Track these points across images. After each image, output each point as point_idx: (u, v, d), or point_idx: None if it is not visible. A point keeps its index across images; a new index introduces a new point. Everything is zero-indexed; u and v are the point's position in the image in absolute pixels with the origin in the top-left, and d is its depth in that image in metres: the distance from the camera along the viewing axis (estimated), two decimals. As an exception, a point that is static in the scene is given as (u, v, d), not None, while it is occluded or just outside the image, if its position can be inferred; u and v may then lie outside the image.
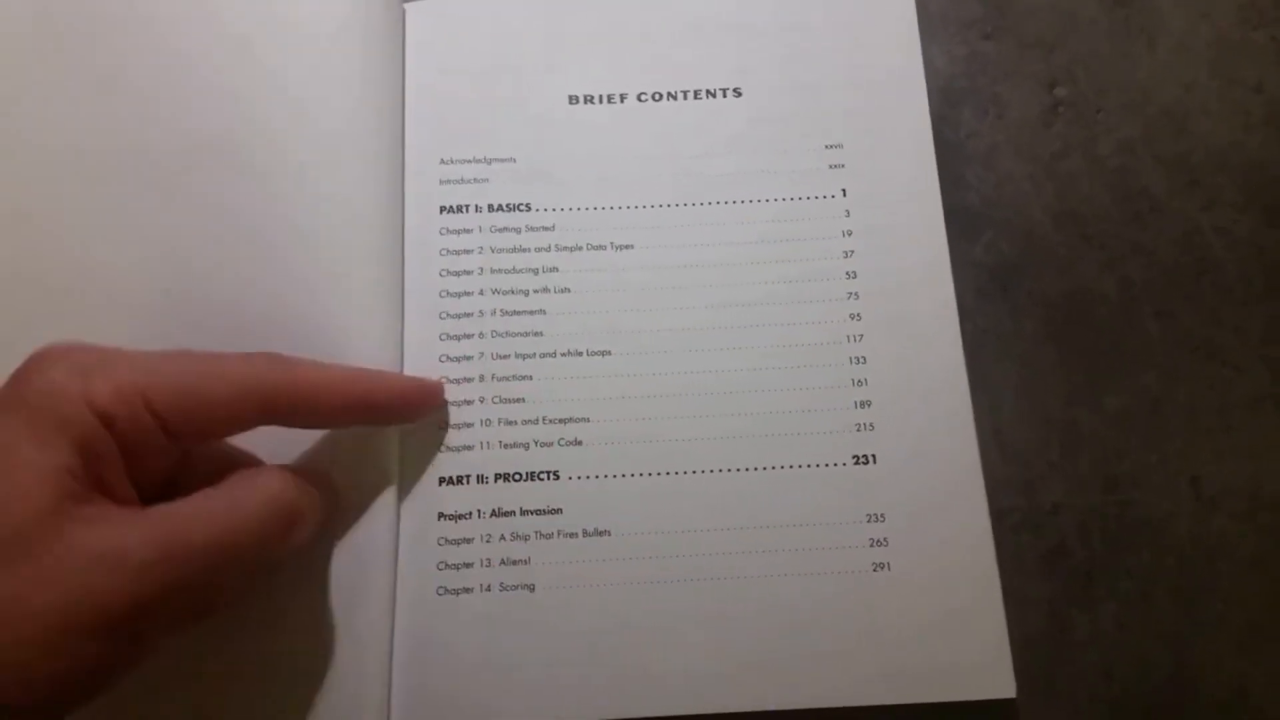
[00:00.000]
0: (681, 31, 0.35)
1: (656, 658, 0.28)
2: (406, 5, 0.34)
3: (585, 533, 0.29)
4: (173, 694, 0.27)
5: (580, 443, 0.30)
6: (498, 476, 0.30)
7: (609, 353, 0.31)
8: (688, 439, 0.30)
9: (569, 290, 0.32)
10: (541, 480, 0.30)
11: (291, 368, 0.25)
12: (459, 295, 0.31)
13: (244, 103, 0.31)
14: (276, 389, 0.25)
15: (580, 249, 0.32)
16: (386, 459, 0.29)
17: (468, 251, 0.32)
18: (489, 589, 0.29)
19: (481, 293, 0.31)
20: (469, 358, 0.31)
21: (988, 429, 0.31)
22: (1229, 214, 0.34)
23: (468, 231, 0.32)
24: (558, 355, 0.31)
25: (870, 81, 0.34)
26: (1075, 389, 0.32)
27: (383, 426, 0.29)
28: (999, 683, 0.28)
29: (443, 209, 0.32)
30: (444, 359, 0.31)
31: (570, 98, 0.34)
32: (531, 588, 0.29)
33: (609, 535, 0.29)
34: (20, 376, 0.22)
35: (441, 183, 0.33)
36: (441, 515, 0.29)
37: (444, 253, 0.32)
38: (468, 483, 0.30)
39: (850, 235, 0.32)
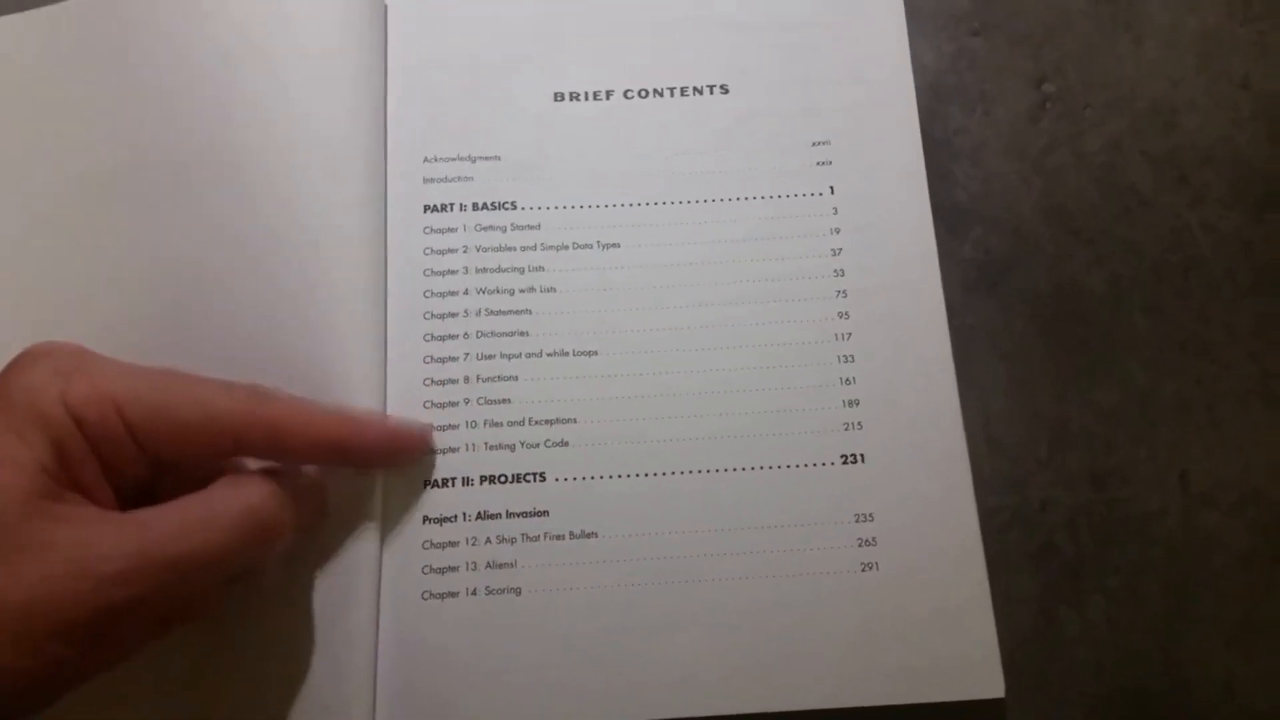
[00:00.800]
0: (668, 28, 0.34)
1: (644, 660, 0.28)
2: (388, 2, 0.34)
3: (572, 534, 0.29)
4: (156, 700, 0.26)
5: (567, 444, 0.30)
6: (483, 478, 0.29)
7: (595, 353, 0.31)
8: (675, 439, 0.30)
9: (555, 290, 0.31)
10: (528, 482, 0.30)
11: (270, 404, 0.25)
12: (444, 295, 0.31)
13: (225, 104, 0.31)
14: (251, 424, 0.24)
15: (566, 248, 0.32)
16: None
17: (452, 251, 0.32)
18: (475, 593, 0.28)
19: (466, 292, 0.31)
20: (454, 358, 0.31)
21: (976, 426, 0.31)
22: (1216, 210, 0.34)
23: (452, 230, 0.32)
24: (544, 355, 0.31)
25: (858, 78, 0.34)
26: (1064, 385, 0.32)
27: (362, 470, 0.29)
28: (988, 683, 0.28)
29: (427, 208, 0.32)
30: (428, 360, 0.30)
31: (556, 95, 0.33)
32: (518, 591, 0.28)
33: (596, 537, 0.29)
34: (5, 374, 0.23)
35: (425, 181, 0.32)
36: (426, 518, 0.29)
37: (428, 252, 0.32)
38: (453, 485, 0.29)
39: (838, 233, 0.32)
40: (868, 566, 0.29)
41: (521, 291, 0.31)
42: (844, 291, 0.32)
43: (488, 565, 0.29)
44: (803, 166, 0.33)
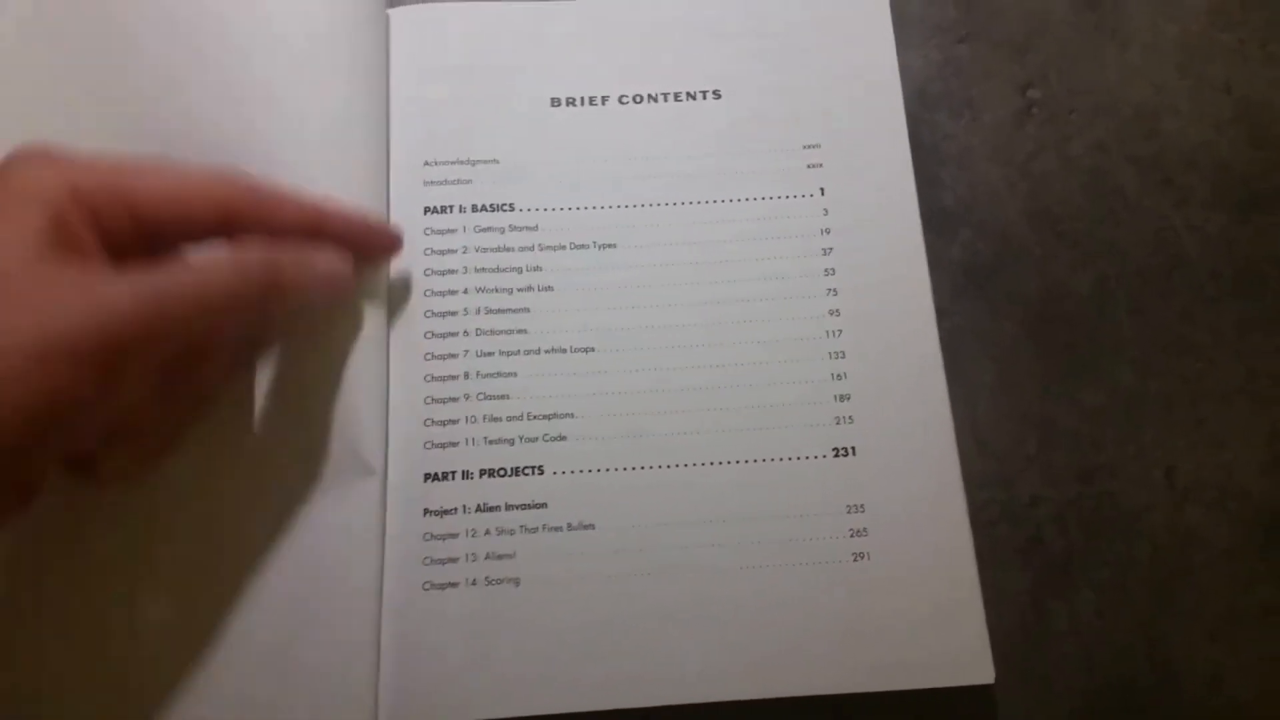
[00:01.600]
0: (661, 35, 0.35)
1: (641, 650, 0.28)
2: (390, 10, 0.35)
3: (570, 526, 0.30)
4: (156, 693, 0.27)
5: (564, 438, 0.30)
6: (483, 472, 0.30)
7: (592, 350, 0.31)
8: (670, 433, 0.30)
9: (552, 289, 0.32)
10: (526, 475, 0.30)
11: (253, 177, 0.26)
12: (444, 294, 0.32)
13: (230, 108, 0.31)
14: (239, 187, 0.26)
15: (563, 248, 0.32)
16: (372, 452, 0.29)
17: (452, 251, 0.32)
18: (474, 584, 0.29)
19: (466, 291, 0.32)
20: (454, 355, 0.31)
21: (966, 424, 0.32)
22: (1200, 212, 0.35)
23: (452, 232, 0.32)
24: (542, 353, 0.31)
25: (847, 84, 0.35)
26: (1051, 384, 0.33)
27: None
28: (978, 669, 0.28)
29: (427, 209, 0.33)
30: (429, 357, 0.31)
31: (553, 100, 0.34)
32: (517, 582, 0.29)
33: (593, 529, 0.30)
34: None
35: (426, 184, 0.33)
36: (427, 511, 0.30)
37: (428, 252, 0.32)
38: (453, 478, 0.30)
39: (828, 234, 0.33)
40: (859, 556, 0.29)
41: (520, 290, 0.32)
42: (835, 290, 0.32)
43: (487, 556, 0.29)
44: (794, 169, 0.34)
